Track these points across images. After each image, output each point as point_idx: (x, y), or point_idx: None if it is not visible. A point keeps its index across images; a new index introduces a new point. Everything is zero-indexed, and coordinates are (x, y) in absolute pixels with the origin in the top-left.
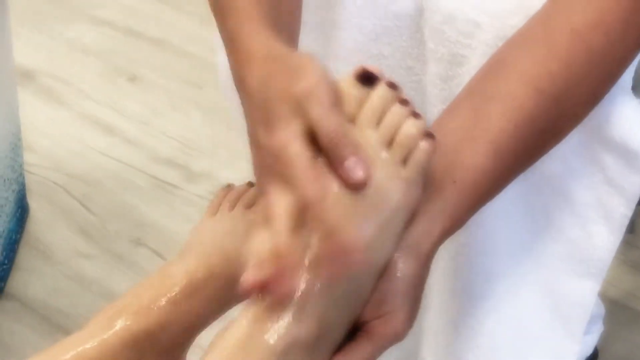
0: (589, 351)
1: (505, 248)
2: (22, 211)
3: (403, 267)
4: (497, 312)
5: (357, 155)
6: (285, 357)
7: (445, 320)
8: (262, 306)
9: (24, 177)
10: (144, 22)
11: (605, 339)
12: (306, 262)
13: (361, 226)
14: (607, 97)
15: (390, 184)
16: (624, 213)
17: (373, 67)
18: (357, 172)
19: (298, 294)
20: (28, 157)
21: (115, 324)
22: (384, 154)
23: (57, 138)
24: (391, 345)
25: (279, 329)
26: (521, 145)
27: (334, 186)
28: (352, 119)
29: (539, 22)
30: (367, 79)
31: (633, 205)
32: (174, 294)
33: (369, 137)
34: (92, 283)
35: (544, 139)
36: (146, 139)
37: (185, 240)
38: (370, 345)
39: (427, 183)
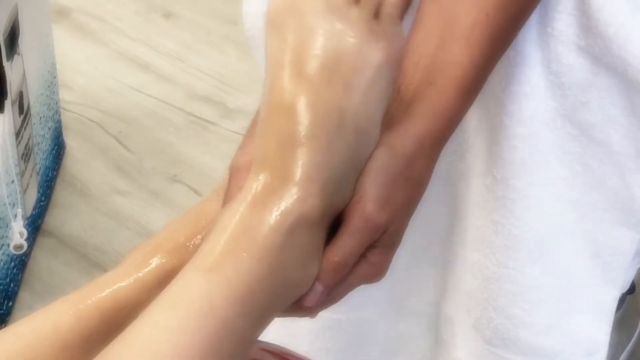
0: (626, 286)
1: (545, 198)
2: (58, 148)
3: (375, 161)
4: (541, 264)
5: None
6: (291, 236)
7: (484, 277)
8: (261, 186)
9: (60, 115)
10: None
11: None
12: (301, 137)
13: (346, 91)
14: None
15: (367, 41)
16: None
17: None
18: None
19: (298, 171)
20: (64, 95)
21: (151, 262)
22: (354, 12)
23: (92, 75)
24: (368, 231)
25: (282, 208)
26: (496, 33)
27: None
28: None
29: None
30: None
31: None
32: None
33: None
34: (128, 220)
35: (515, 25)
36: (181, 76)
37: (221, 176)
38: (345, 234)
39: (403, 90)
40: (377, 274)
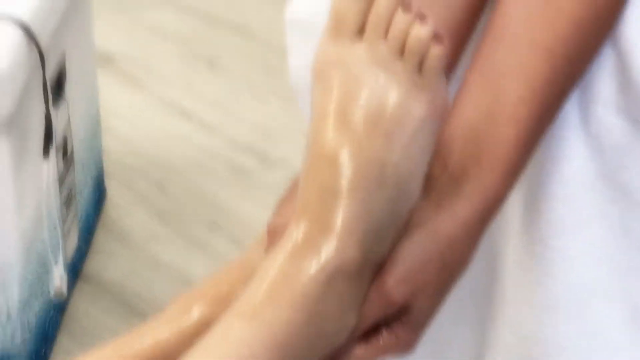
0: None
1: (584, 259)
2: (100, 194)
3: (413, 238)
4: (579, 324)
5: None
6: (328, 287)
7: (522, 334)
8: (301, 236)
9: (102, 161)
10: (225, 8)
11: None
12: (342, 188)
13: (389, 143)
14: None
15: (410, 94)
16: None
17: None
18: None
19: (338, 222)
20: (106, 141)
21: (193, 312)
22: (399, 65)
23: (135, 122)
24: (381, 306)
25: (321, 258)
26: (543, 109)
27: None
28: (356, 33)
29: None
30: None
31: None
32: None
33: (380, 50)
34: (168, 267)
35: (562, 100)
36: (224, 124)
37: (262, 225)
38: (364, 307)
39: (451, 166)
40: (404, 349)
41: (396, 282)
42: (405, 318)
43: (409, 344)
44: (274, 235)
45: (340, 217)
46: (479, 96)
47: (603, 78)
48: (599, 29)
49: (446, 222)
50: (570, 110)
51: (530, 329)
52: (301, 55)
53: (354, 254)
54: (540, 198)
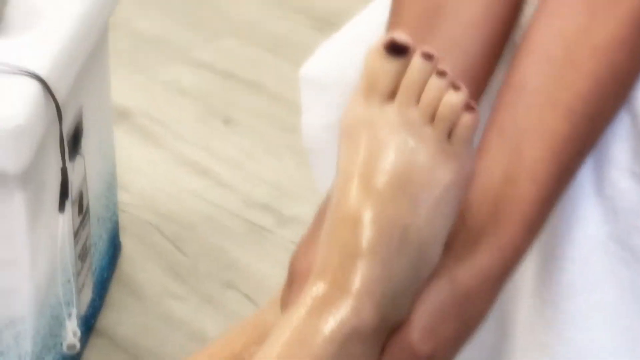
0: None
1: (594, 323)
2: (114, 249)
3: (432, 290)
4: None
5: None
6: (344, 348)
7: None
8: (319, 296)
9: (117, 216)
10: (241, 66)
11: None
12: (363, 249)
13: (412, 207)
14: None
15: (438, 160)
16: None
17: (403, 35)
18: None
19: (357, 282)
20: (122, 196)
21: None
22: (428, 131)
23: (151, 178)
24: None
25: (337, 319)
26: (562, 170)
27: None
28: (388, 96)
29: (558, 42)
30: (397, 50)
31: None
32: None
33: (410, 115)
34: (182, 323)
35: (581, 159)
36: (239, 182)
37: (277, 285)
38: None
39: (469, 223)
40: None
41: (421, 336)
42: None
43: None
44: (298, 278)
45: (359, 278)
46: (498, 154)
47: (617, 141)
48: (618, 87)
49: (465, 274)
50: (584, 172)
51: None
52: (314, 113)
53: (371, 316)
54: (552, 259)
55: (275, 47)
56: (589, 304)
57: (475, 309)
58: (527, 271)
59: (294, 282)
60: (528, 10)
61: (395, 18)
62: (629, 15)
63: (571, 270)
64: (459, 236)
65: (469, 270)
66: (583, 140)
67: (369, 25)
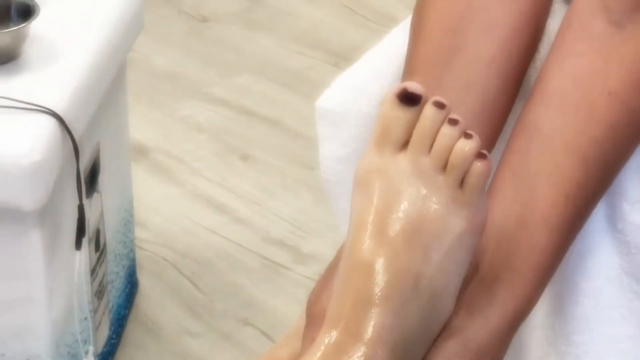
0: None
1: (608, 356)
2: (131, 287)
3: (445, 348)
4: None
5: None
6: None
7: None
8: (332, 342)
9: (134, 253)
10: (258, 102)
11: None
12: (376, 298)
13: (425, 256)
14: None
15: (450, 208)
16: None
17: (415, 85)
18: None
19: (369, 330)
20: (139, 233)
21: None
22: (440, 179)
23: (168, 215)
24: None
25: None
26: (575, 214)
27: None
28: (401, 144)
29: (573, 86)
30: (410, 99)
31: None
32: None
33: (422, 163)
34: None
35: (594, 203)
36: (257, 218)
37: (294, 322)
38: None
39: (483, 270)
40: None
41: None
42: None
43: None
44: (314, 320)
45: (372, 327)
46: (511, 199)
47: (630, 175)
48: (633, 132)
49: (477, 330)
50: (597, 206)
51: None
52: (331, 144)
53: None
54: (565, 292)
55: (292, 82)
56: (603, 338)
57: None
58: (540, 303)
59: (311, 325)
60: (543, 49)
61: (412, 57)
62: None
63: (585, 303)
64: (471, 286)
65: (482, 327)
66: (597, 185)
67: (384, 59)
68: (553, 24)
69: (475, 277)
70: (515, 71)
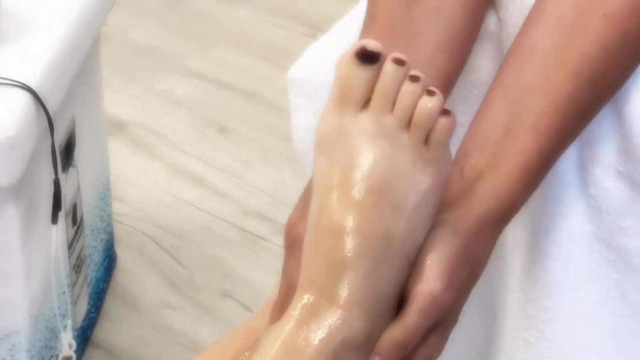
0: None
1: (577, 321)
2: (110, 260)
3: (436, 239)
4: None
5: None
6: (335, 359)
7: None
8: (307, 307)
9: (112, 227)
10: (236, 75)
11: None
12: (349, 261)
13: (394, 215)
14: None
15: (416, 166)
16: None
17: (373, 43)
18: None
19: (344, 293)
20: (118, 207)
21: None
22: (404, 137)
23: (147, 189)
24: (433, 310)
25: (327, 331)
26: (564, 125)
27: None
28: (362, 104)
29: (570, 7)
30: (368, 57)
31: None
32: None
33: (385, 122)
34: (179, 334)
35: (583, 120)
36: (236, 191)
37: (271, 293)
38: (411, 313)
39: (467, 172)
40: (434, 354)
41: (443, 284)
42: (438, 322)
43: (439, 348)
44: (295, 244)
45: (346, 290)
46: (502, 108)
47: (603, 139)
48: (627, 54)
49: (465, 221)
50: (569, 170)
51: None
52: (304, 115)
53: (360, 326)
54: (536, 257)
55: (269, 55)
56: (572, 303)
57: (476, 253)
58: (513, 267)
59: (291, 251)
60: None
61: (370, 18)
62: None
63: (554, 268)
64: (457, 185)
65: (468, 217)
66: (587, 100)
67: (356, 27)
68: None
69: (460, 180)
70: (461, 46)
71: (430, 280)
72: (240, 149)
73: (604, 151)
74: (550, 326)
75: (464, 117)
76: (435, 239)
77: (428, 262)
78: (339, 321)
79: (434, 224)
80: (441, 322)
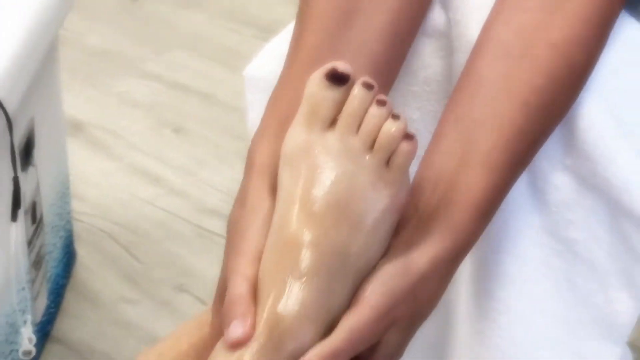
0: None
1: (529, 312)
2: (69, 257)
3: (385, 272)
4: None
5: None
6: None
7: None
8: (261, 320)
9: (71, 225)
10: (191, 77)
11: None
12: (304, 271)
13: (352, 233)
14: (634, 173)
15: (376, 187)
16: None
17: (344, 65)
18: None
19: (296, 307)
20: (77, 206)
21: None
22: (367, 158)
23: (105, 187)
24: (358, 337)
25: (278, 344)
26: (514, 158)
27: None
28: (329, 123)
29: (517, 38)
30: (338, 78)
31: None
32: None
33: (350, 142)
34: (137, 328)
35: (533, 150)
36: (191, 189)
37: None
38: (336, 335)
39: (421, 209)
40: None
41: (376, 315)
42: (377, 354)
43: None
44: (233, 306)
45: (299, 303)
46: (453, 142)
47: (550, 135)
48: (573, 83)
49: (417, 258)
50: None
51: None
52: (259, 110)
53: (310, 339)
54: (487, 251)
55: (223, 58)
56: (523, 294)
57: (427, 291)
58: (465, 261)
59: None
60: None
61: (305, 16)
62: (584, 13)
63: (507, 261)
64: (411, 222)
65: (423, 255)
66: (537, 132)
67: None
68: None
69: (415, 216)
70: (401, 42)
71: (364, 309)
72: (195, 149)
73: (551, 146)
74: (503, 317)
75: (416, 113)
76: (385, 272)
77: (369, 291)
78: (289, 334)
79: (387, 258)
80: (380, 352)
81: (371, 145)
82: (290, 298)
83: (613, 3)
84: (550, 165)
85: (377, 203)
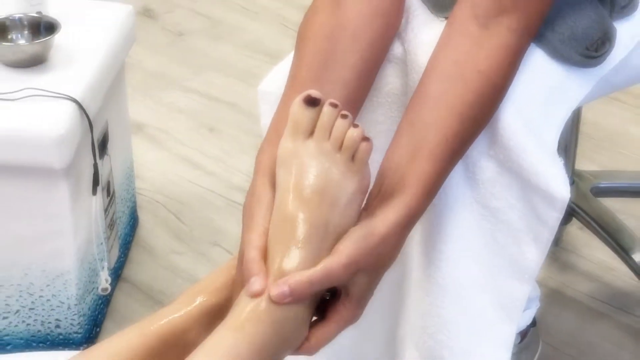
0: (529, 321)
1: (464, 261)
2: (133, 221)
3: (354, 233)
4: (460, 306)
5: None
6: (290, 311)
7: (422, 312)
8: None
9: (135, 197)
10: (221, 92)
11: (540, 312)
12: (299, 242)
13: (331, 209)
14: (539, 158)
15: (346, 176)
16: (547, 237)
17: (316, 92)
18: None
19: (295, 265)
20: (139, 184)
21: (196, 300)
22: (338, 156)
23: (159, 170)
24: (330, 280)
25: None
26: (453, 151)
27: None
28: (308, 134)
29: (454, 66)
30: (312, 102)
31: (554, 232)
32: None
33: (324, 147)
34: (182, 272)
35: (467, 145)
36: (222, 173)
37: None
38: (315, 269)
39: (383, 189)
40: (351, 321)
41: (345, 262)
42: (348, 296)
43: (354, 317)
44: (250, 265)
45: (297, 262)
46: (407, 141)
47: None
48: (495, 98)
49: (379, 224)
50: None
51: (427, 308)
52: (269, 117)
53: None
54: (433, 217)
55: (244, 77)
56: (460, 247)
57: (388, 248)
58: (417, 224)
59: (247, 268)
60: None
61: (297, 59)
62: (505, 46)
63: (446, 224)
64: (375, 200)
65: (384, 222)
66: (469, 134)
67: None
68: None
69: (378, 195)
70: (369, 72)
71: (335, 257)
72: (224, 143)
73: (479, 141)
74: (445, 264)
75: (381, 118)
76: (355, 234)
77: (342, 246)
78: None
79: (358, 225)
80: (352, 293)
81: (340, 147)
82: (291, 258)
83: (526, 37)
84: (479, 154)
85: (347, 187)
